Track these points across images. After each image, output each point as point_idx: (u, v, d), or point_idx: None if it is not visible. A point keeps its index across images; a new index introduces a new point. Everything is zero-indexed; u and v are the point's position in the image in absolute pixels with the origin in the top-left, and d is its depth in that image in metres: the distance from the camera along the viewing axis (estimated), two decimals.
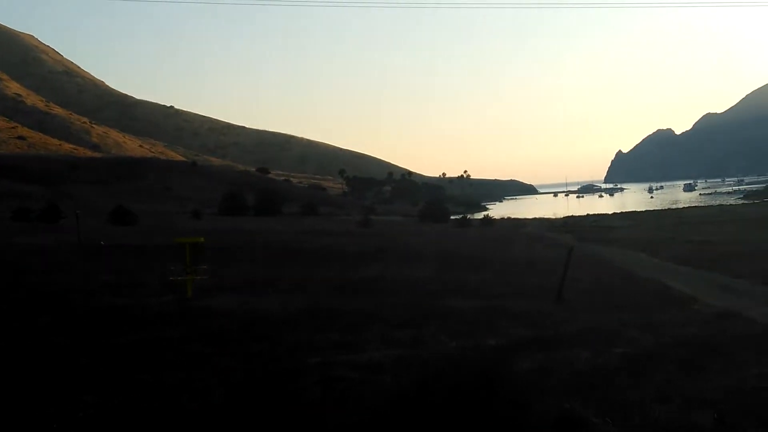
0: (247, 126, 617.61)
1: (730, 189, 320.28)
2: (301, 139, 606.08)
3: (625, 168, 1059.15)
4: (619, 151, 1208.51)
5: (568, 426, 6.10)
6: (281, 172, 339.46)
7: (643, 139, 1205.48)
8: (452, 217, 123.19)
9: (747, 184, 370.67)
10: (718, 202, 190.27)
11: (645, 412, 6.73)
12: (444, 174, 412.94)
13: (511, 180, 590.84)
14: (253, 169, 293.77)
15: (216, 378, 9.93)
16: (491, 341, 12.27)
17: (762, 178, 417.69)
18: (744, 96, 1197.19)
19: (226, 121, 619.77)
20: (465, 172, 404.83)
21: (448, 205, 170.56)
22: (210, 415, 6.49)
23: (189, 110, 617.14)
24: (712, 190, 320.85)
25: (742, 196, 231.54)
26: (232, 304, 18.80)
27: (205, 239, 26.57)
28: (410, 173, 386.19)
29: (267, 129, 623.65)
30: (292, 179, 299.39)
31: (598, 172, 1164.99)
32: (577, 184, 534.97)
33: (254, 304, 18.88)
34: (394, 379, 7.47)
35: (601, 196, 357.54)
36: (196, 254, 22.88)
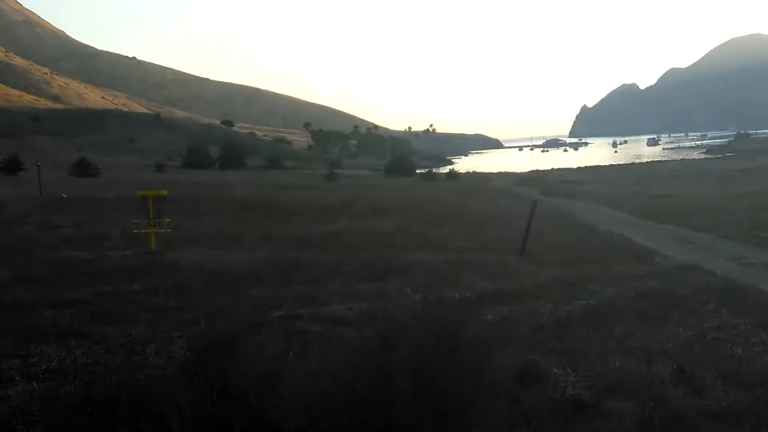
0: (211, 78, 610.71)
1: (693, 144, 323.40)
2: (267, 92, 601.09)
3: (590, 122, 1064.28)
4: (584, 105, 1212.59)
5: (531, 377, 6.14)
6: (246, 126, 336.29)
7: (608, 94, 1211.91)
8: (418, 171, 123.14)
9: (710, 138, 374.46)
10: (681, 157, 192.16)
11: (606, 363, 6.78)
12: (410, 128, 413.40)
13: (476, 134, 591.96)
14: (218, 122, 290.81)
15: (178, 331, 9.90)
16: (455, 294, 12.30)
17: (724, 133, 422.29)
18: (708, 51, 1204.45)
19: (190, 72, 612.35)
20: (431, 126, 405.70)
21: (413, 159, 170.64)
22: (172, 369, 6.42)
23: (152, 61, 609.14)
24: (676, 145, 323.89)
25: (705, 150, 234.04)
26: (196, 257, 18.70)
27: (169, 192, 26.36)
28: (376, 127, 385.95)
29: (232, 81, 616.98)
30: (257, 132, 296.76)
31: (563, 126, 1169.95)
32: (542, 138, 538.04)
33: (218, 257, 18.78)
34: (357, 332, 7.45)
35: (565, 151, 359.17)
36: (160, 207, 22.68)
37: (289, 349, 7.67)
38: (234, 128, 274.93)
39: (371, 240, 24.20)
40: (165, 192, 24.29)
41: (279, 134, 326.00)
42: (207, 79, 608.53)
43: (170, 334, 9.86)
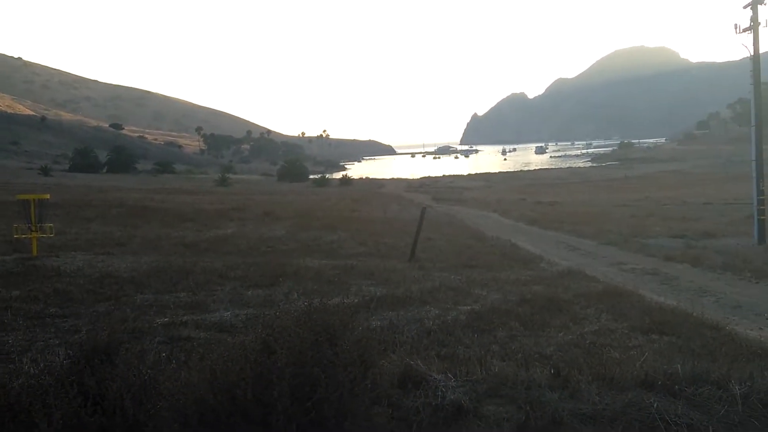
0: (100, 80, 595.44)
1: (579, 152, 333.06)
2: (157, 95, 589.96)
3: (481, 130, 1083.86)
4: (475, 113, 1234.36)
5: (412, 382, 6.18)
6: (136, 129, 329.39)
7: (498, 102, 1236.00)
8: (311, 177, 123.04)
9: (595, 147, 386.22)
10: (567, 165, 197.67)
11: (486, 367, 6.89)
12: (303, 133, 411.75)
13: (370, 140, 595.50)
14: (107, 125, 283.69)
15: (58, 339, 9.60)
16: (344, 300, 12.30)
17: (609, 142, 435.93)
18: (593, 62, 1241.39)
19: (78, 74, 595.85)
20: (324, 131, 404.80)
21: (307, 164, 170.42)
22: (50, 377, 6.21)
23: (38, 62, 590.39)
24: (562, 153, 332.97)
25: (590, 159, 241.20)
26: (79, 263, 18.15)
27: (54, 197, 25.59)
28: (269, 132, 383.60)
29: (121, 84, 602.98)
30: (147, 136, 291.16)
31: (454, 134, 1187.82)
32: (434, 145, 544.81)
33: (103, 263, 18.28)
34: (241, 339, 7.38)
35: (456, 158, 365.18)
36: (42, 211, 21.93)
37: (170, 357, 7.55)
38: (123, 131, 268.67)
39: (261, 245, 24.04)
40: (47, 196, 23.47)
41: (170, 138, 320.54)
42: (96, 81, 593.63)
43: (49, 342, 9.53)
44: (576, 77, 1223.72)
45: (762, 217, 26.13)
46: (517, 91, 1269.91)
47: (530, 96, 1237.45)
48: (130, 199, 47.01)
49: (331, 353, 5.05)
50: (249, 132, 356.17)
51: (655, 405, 5.73)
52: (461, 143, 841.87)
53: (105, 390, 5.34)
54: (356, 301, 12.42)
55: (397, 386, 6.03)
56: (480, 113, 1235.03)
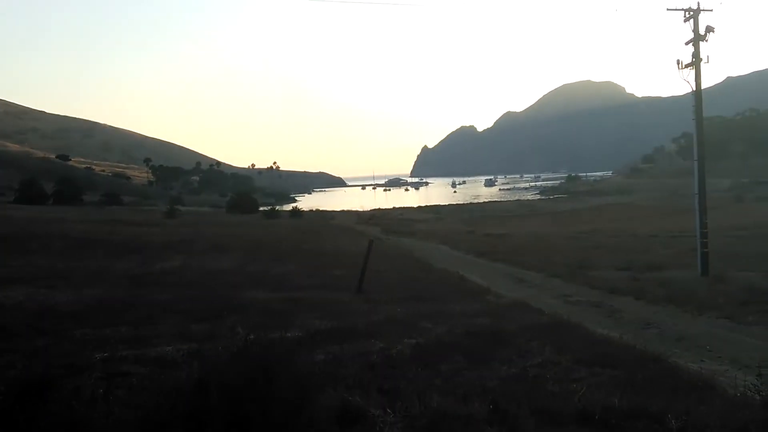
0: (47, 111, 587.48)
1: (527, 185, 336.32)
2: (105, 126, 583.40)
3: (431, 163, 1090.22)
4: (425, 146, 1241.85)
5: (350, 418, 6.12)
6: (83, 160, 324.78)
7: (448, 135, 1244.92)
8: (261, 209, 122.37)
9: (543, 180, 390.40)
10: (516, 198, 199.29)
11: (424, 402, 6.85)
12: (253, 165, 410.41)
13: (320, 172, 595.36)
14: (53, 156, 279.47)
15: None
16: (289, 333, 12.21)
17: (557, 175, 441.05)
18: (541, 96, 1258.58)
19: (25, 105, 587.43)
20: (274, 163, 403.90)
21: (257, 196, 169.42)
22: None
23: None
24: (511, 186, 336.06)
25: (538, 191, 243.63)
26: (19, 296, 17.78)
27: None
28: (219, 163, 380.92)
29: (69, 114, 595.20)
30: (94, 167, 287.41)
31: (404, 166, 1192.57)
32: (385, 177, 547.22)
33: (44, 296, 17.93)
34: (179, 375, 7.26)
35: (407, 190, 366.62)
36: None
37: (107, 393, 7.40)
38: (70, 162, 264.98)
39: (208, 278, 23.81)
40: None
41: (118, 169, 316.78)
42: (43, 112, 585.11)
43: None
44: (524, 110, 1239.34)
45: (705, 250, 26.53)
46: (467, 124, 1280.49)
47: (480, 129, 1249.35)
48: (75, 231, 46.23)
49: (266, 390, 4.98)
50: (198, 163, 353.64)
51: None
52: (411, 175, 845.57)
53: (33, 428, 5.21)
54: (300, 334, 12.34)
55: (335, 422, 5.95)
56: (430, 146, 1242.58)
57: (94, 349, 11.13)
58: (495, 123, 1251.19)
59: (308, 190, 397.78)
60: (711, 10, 27.19)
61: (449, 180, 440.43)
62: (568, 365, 10.54)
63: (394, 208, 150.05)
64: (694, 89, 27.18)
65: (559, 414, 6.50)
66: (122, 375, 9.20)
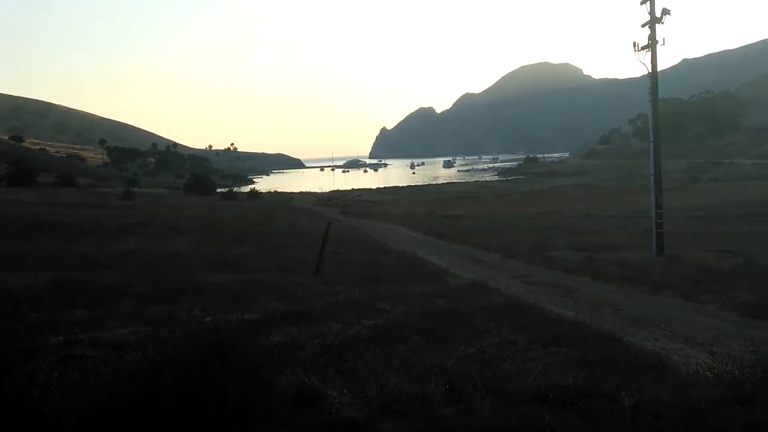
0: (0, 91, 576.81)
1: (486, 166, 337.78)
2: (60, 107, 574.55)
3: (390, 144, 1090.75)
4: (384, 127, 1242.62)
5: (307, 400, 6.12)
6: (37, 141, 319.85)
7: (406, 117, 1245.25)
8: (218, 190, 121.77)
9: (501, 161, 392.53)
10: (474, 179, 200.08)
11: (383, 382, 6.87)
12: (210, 146, 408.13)
13: (278, 154, 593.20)
14: (6, 137, 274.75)
15: None
16: (246, 316, 12.16)
17: (515, 156, 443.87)
18: (499, 77, 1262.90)
19: None
20: (232, 144, 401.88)
21: (214, 177, 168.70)
22: None
23: None
24: (470, 167, 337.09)
25: (496, 173, 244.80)
26: None
27: None
28: (175, 145, 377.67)
29: (22, 95, 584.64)
30: (48, 148, 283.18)
31: (363, 147, 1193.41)
32: (343, 159, 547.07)
33: None
34: (134, 358, 7.20)
35: (365, 171, 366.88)
36: None
37: (62, 378, 7.31)
38: (24, 144, 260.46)
39: (164, 260, 23.60)
40: None
41: (73, 151, 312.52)
42: None
43: None
44: (483, 92, 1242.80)
45: (660, 230, 26.85)
46: (425, 106, 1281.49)
47: (438, 110, 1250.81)
48: (28, 213, 45.58)
49: (220, 372, 4.96)
50: (154, 145, 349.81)
51: (547, 418, 5.81)
52: (370, 156, 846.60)
53: None
54: (257, 317, 12.30)
55: (291, 404, 5.95)
56: (389, 127, 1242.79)
57: (50, 333, 11.00)
58: (453, 104, 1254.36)
59: (266, 171, 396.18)
60: None
61: (408, 161, 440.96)
62: (525, 345, 10.63)
63: (352, 189, 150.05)
64: (650, 71, 27.42)
65: (514, 393, 6.56)
66: (77, 358, 9.11)
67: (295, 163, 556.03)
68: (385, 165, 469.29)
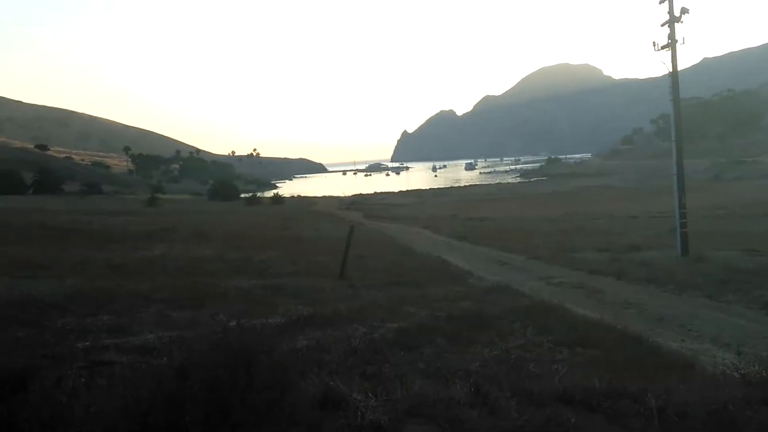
0: (23, 101, 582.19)
1: (507, 168, 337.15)
2: (83, 115, 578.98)
3: (411, 147, 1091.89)
4: (405, 131, 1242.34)
5: (333, 403, 6.13)
6: (62, 149, 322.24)
7: (427, 120, 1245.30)
8: (242, 196, 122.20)
9: (523, 163, 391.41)
10: (497, 181, 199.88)
11: (408, 385, 6.88)
12: (233, 152, 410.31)
13: (301, 158, 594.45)
14: (31, 146, 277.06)
15: None
16: (271, 320, 12.23)
17: (537, 158, 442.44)
18: (519, 79, 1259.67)
19: (1, 95, 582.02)
20: (255, 150, 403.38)
21: (237, 183, 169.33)
22: None
23: None
24: (492, 169, 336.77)
25: (519, 174, 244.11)
26: None
27: None
28: (198, 151, 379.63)
29: (45, 104, 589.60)
30: (74, 157, 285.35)
31: (385, 151, 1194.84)
32: (365, 163, 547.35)
33: (24, 287, 17.78)
34: (161, 363, 7.24)
35: (387, 175, 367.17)
36: None
37: (89, 383, 7.36)
38: (49, 152, 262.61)
39: (189, 266, 23.70)
40: None
41: (97, 158, 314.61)
42: (19, 102, 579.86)
43: None
44: (503, 94, 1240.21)
45: (684, 230, 26.66)
46: (446, 108, 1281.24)
47: (459, 113, 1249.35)
48: (55, 221, 45.96)
49: (246, 377, 4.99)
50: (178, 151, 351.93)
51: (572, 420, 5.79)
52: (392, 160, 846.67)
53: (16, 420, 5.19)
54: (282, 321, 12.34)
55: (318, 408, 5.96)
56: (410, 130, 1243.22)
57: (76, 339, 11.09)
58: (474, 107, 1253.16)
59: (289, 176, 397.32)
60: None
61: (429, 164, 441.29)
62: (550, 346, 10.59)
63: (375, 193, 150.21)
64: (671, 71, 27.27)
65: (540, 395, 6.54)
66: (104, 364, 9.17)
67: (318, 168, 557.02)
68: (407, 168, 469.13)
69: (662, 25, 27.02)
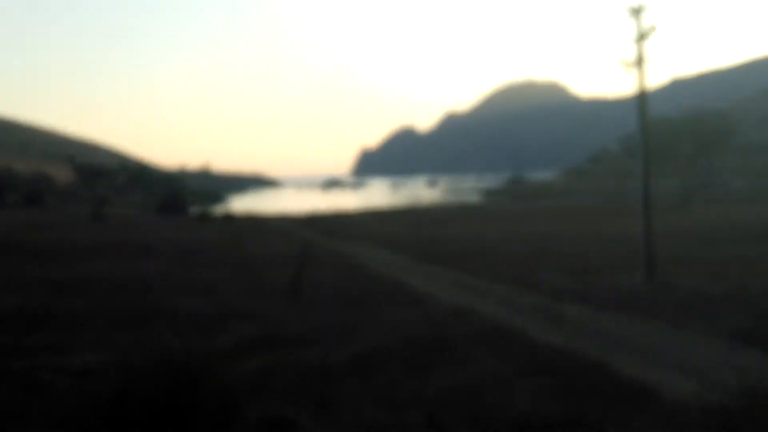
0: None
1: (470, 186, 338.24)
2: (24, 124, 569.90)
3: (370, 163, 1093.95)
4: (364, 146, 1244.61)
5: (279, 429, 5.78)
6: (0, 159, 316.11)
7: (388, 135, 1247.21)
8: (192, 211, 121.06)
9: (486, 181, 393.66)
10: (458, 199, 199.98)
11: (359, 413, 6.54)
12: (183, 165, 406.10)
13: (254, 173, 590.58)
14: None
15: None
16: (218, 342, 11.80)
17: (500, 176, 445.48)
18: (484, 95, 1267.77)
19: None
20: (206, 163, 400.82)
21: (187, 197, 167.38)
22: None
23: None
24: (454, 187, 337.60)
25: (481, 193, 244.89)
26: None
27: None
28: (147, 164, 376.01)
29: None
30: (14, 167, 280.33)
31: (341, 165, 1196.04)
32: (321, 177, 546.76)
33: None
34: (101, 385, 6.81)
35: (345, 191, 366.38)
36: None
37: (26, 406, 6.92)
38: None
39: (137, 283, 23.15)
40: None
41: (40, 169, 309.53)
42: None
43: None
44: (467, 111, 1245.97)
45: (650, 253, 26.52)
46: (407, 123, 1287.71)
47: (421, 128, 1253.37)
48: None
49: (189, 401, 4.61)
50: (125, 163, 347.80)
51: None
52: (351, 176, 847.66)
53: None
54: (231, 343, 11.92)
55: None
56: (369, 145, 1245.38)
57: (14, 358, 10.56)
58: (436, 122, 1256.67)
59: (242, 191, 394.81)
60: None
61: (389, 180, 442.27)
62: (510, 373, 10.32)
63: (332, 209, 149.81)
64: (639, 89, 27.19)
65: (496, 423, 6.25)
66: (43, 385, 8.70)
67: (272, 183, 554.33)
68: (366, 184, 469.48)
69: (631, 42, 26.95)
